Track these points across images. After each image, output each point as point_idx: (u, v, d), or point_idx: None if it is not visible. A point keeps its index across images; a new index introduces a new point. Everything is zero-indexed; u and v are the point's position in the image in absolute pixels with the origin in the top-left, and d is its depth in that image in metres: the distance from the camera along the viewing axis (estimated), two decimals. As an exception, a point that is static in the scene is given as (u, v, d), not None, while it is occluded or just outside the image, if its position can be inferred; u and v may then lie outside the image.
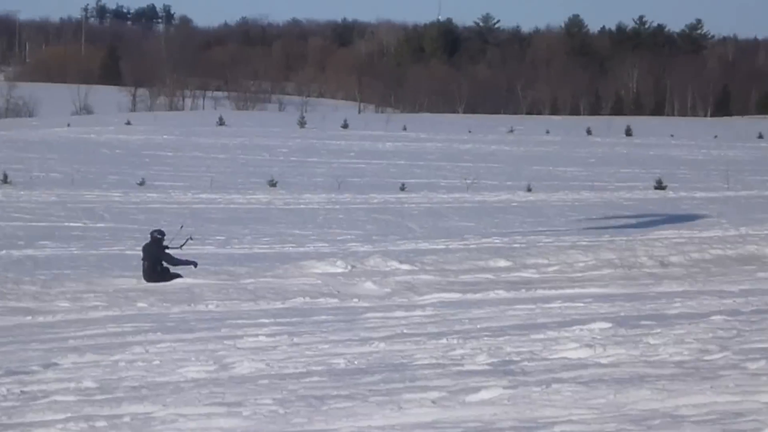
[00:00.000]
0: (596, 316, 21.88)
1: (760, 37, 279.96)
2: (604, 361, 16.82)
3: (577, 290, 27.42)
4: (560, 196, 59.50)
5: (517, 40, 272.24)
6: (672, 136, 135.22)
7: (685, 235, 38.37)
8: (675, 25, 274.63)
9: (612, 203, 55.91)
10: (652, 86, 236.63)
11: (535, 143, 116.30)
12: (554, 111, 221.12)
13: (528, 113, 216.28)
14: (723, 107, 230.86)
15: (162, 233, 37.05)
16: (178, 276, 35.70)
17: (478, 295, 27.01)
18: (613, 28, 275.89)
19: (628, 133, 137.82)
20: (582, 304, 24.53)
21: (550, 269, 32.07)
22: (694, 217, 48.31)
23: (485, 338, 19.57)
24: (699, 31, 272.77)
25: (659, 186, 64.94)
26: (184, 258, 36.04)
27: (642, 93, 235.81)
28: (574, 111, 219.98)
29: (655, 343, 18.34)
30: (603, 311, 23.02)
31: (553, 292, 27.19)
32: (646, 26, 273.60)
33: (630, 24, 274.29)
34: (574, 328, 20.48)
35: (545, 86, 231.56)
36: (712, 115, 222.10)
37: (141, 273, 36.06)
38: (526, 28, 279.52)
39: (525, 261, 33.05)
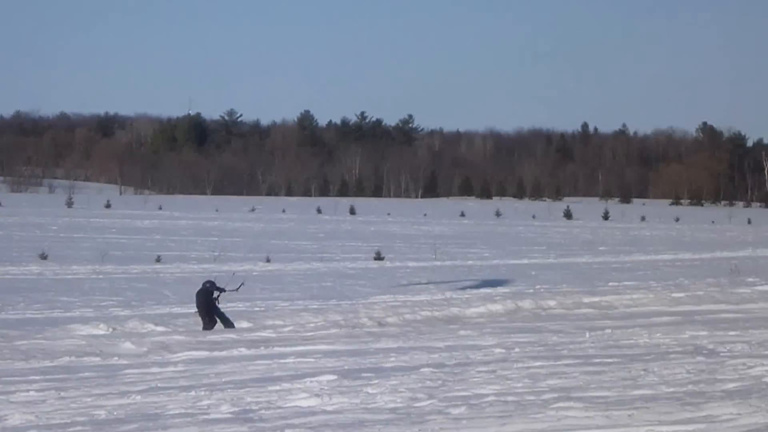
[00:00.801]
0: (324, 370, 21.98)
1: (462, 129, 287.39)
2: (329, 408, 16.92)
3: (308, 347, 27.51)
4: (295, 266, 59.63)
5: (257, 131, 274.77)
6: (389, 214, 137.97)
7: (400, 299, 38.85)
8: (391, 119, 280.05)
9: (338, 272, 56.24)
10: (372, 171, 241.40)
11: (274, 220, 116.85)
12: (289, 193, 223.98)
13: (267, 194, 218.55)
14: (431, 189, 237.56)
15: (213, 284, 36.31)
16: (228, 323, 35.51)
17: (224, 353, 26.90)
18: (339, 121, 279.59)
19: (352, 211, 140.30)
20: (312, 359, 24.63)
21: (286, 329, 32.13)
22: (407, 283, 48.83)
23: (229, 390, 19.50)
24: (411, 125, 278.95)
25: (378, 257, 65.47)
26: (226, 316, 35.74)
27: (364, 177, 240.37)
28: (307, 193, 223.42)
29: (373, 392, 18.51)
30: (330, 365, 23.13)
31: (287, 349, 27.25)
32: (367, 120, 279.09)
33: (353, 118, 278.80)
34: (305, 380, 20.52)
35: (281, 171, 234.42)
36: (422, 197, 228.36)
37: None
38: (265, 121, 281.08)
39: (264, 322, 33.05)
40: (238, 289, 37.45)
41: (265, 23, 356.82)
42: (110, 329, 32.50)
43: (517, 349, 24.78)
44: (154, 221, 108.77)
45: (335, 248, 76.44)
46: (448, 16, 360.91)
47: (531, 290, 41.05)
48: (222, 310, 36.08)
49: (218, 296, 36.09)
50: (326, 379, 20.62)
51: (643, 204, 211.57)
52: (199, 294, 36.19)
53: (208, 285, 36.41)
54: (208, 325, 35.56)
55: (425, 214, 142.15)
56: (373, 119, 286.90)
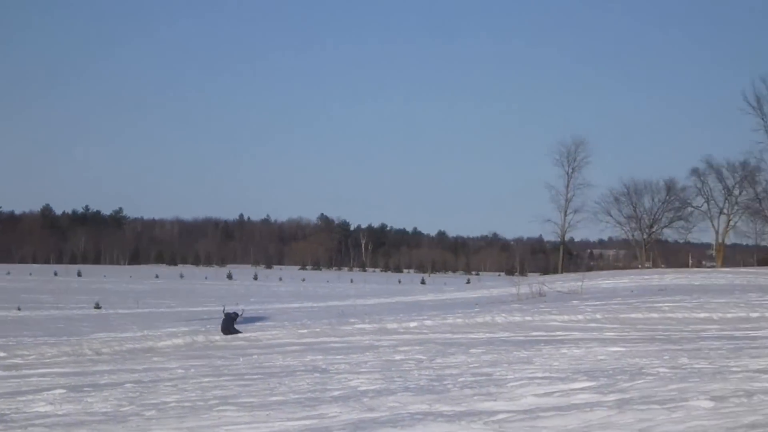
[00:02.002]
0: (57, 385, 21.21)
1: (156, 217, 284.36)
2: (60, 413, 16.43)
3: (46, 370, 26.45)
4: (38, 312, 57.07)
5: (12, 218, 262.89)
6: (105, 276, 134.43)
7: (112, 336, 37.80)
8: (107, 210, 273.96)
9: (68, 317, 54.04)
10: (93, 247, 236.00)
11: (23, 281, 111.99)
12: (35, 261, 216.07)
13: (19, 263, 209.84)
14: (135, 259, 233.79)
15: (237, 314, 38.54)
16: (238, 332, 36.74)
17: (-19, 376, 25.56)
18: (70, 211, 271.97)
19: (79, 274, 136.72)
20: (49, 378, 23.72)
21: (31, 357, 30.82)
22: (119, 324, 47.44)
23: (-14, 402, 18.59)
24: (121, 214, 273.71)
25: (97, 306, 63.52)
26: (237, 329, 37.20)
27: (88, 251, 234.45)
28: (47, 261, 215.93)
29: (91, 401, 18.04)
30: (62, 382, 22.37)
31: (32, 371, 26.15)
32: (90, 211, 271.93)
33: (80, 209, 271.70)
34: (43, 393, 19.80)
35: (29, 246, 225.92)
36: (128, 264, 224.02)
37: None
38: (18, 211, 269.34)
39: (15, 352, 31.61)
40: (241, 314, 39.83)
41: (12, 134, 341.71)
42: None
43: (192, 370, 24.55)
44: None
45: (67, 300, 73.71)
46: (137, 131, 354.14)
47: (203, 328, 40.57)
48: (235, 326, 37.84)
49: (236, 319, 38.27)
50: (58, 392, 19.88)
51: (281, 269, 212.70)
52: (225, 318, 38.19)
53: (233, 314, 38.65)
54: (226, 331, 37.38)
55: (131, 276, 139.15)
56: (95, 210, 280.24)
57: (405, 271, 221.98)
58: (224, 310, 40.42)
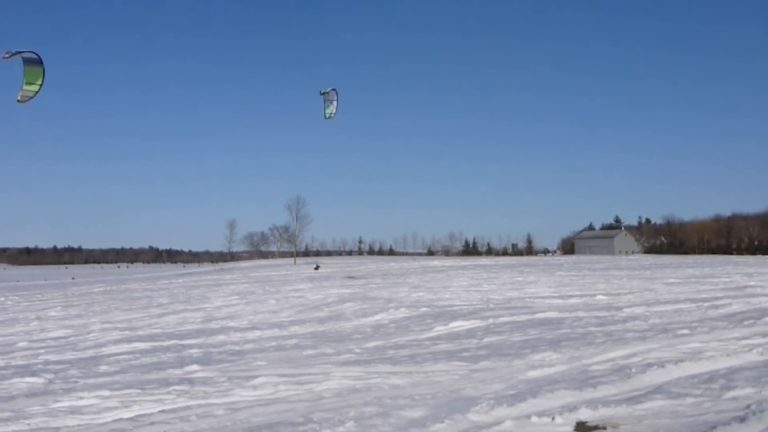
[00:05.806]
0: (57, 306, 21.47)
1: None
2: (59, 334, 16.50)
3: (52, 301, 24.61)
4: (59, 280, 52.27)
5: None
6: (66, 267, 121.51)
7: (79, 288, 34.32)
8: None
9: (61, 283, 47.76)
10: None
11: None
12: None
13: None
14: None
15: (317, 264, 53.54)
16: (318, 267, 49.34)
17: None
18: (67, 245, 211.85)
19: (66, 268, 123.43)
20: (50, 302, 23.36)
21: (40, 297, 27.89)
22: (82, 283, 43.36)
23: None
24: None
25: (73, 278, 58.87)
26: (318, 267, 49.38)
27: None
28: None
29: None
30: (59, 304, 22.08)
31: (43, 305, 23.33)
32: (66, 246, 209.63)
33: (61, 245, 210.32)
34: (51, 309, 20.04)
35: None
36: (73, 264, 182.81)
37: None
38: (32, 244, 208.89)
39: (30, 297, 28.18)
40: (317, 267, 50.04)
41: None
42: None
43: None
44: None
45: (64, 276, 69.81)
46: None
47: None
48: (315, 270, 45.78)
49: (317, 267, 49.28)
50: (58, 309, 19.73)
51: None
52: (316, 266, 50.29)
53: (316, 266, 51.00)
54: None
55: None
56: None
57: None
58: (316, 264, 54.71)
